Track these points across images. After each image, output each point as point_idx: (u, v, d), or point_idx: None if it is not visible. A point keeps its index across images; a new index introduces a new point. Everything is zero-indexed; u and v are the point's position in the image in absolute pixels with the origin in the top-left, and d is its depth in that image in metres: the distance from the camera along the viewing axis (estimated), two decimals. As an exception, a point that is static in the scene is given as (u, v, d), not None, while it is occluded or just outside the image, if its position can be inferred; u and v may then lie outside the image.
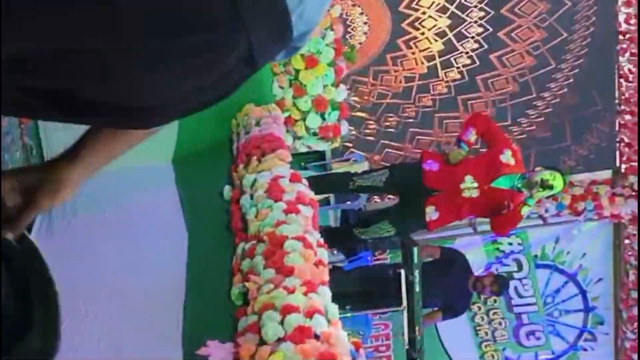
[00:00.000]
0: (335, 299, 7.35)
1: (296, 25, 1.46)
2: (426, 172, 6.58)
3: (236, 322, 4.22)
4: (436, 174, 6.56)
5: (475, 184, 6.48)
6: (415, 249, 7.30)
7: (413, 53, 8.71)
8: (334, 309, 4.22)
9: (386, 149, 8.72)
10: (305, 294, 4.14)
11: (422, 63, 8.76)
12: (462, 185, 6.48)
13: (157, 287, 4.65)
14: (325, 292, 4.29)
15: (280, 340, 3.87)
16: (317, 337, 3.91)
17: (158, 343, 4.31)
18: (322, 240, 4.70)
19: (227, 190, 5.26)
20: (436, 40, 8.69)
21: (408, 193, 6.77)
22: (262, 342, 3.90)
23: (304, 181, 5.10)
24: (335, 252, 8.42)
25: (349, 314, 7.47)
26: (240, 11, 1.37)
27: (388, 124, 8.58)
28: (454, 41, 8.73)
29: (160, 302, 4.58)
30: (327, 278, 4.45)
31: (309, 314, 3.99)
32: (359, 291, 7.63)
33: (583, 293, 9.86)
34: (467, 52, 8.76)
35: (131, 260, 4.76)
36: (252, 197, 4.97)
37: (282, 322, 3.95)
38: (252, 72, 1.51)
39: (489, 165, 6.54)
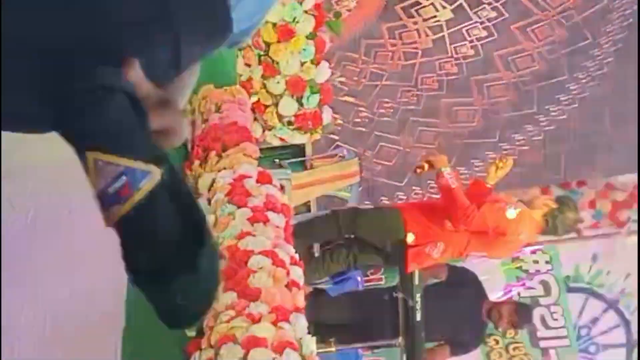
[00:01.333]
0: (315, 329, 7.47)
1: (235, 22, 1.71)
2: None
3: (187, 358, 4.23)
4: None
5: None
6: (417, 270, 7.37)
7: (415, 23, 8.74)
8: (310, 342, 4.24)
9: (380, 143, 8.73)
10: (274, 323, 4.15)
11: (427, 35, 8.78)
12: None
13: (91, 308, 4.67)
14: (300, 321, 4.30)
15: (242, 381, 3.89)
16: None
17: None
18: (297, 256, 4.70)
19: (178, 193, 5.25)
20: (444, 7, 8.70)
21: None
22: (219, 383, 3.92)
23: (276, 182, 5.10)
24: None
25: (333, 349, 7.49)
26: (170, 9, 1.60)
27: (383, 111, 8.59)
28: (467, 8, 8.74)
29: (94, 327, 4.59)
30: (302, 303, 4.46)
31: (279, 349, 4.01)
32: (346, 321, 7.65)
33: (626, 323, 9.86)
34: (482, 22, 8.77)
35: (64, 272, 4.77)
36: (209, 201, 4.97)
37: (244, 358, 3.95)
38: (175, 73, 1.74)
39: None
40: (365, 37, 8.62)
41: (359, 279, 8.55)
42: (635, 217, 9.33)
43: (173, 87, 1.80)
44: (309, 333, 7.28)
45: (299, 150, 7.42)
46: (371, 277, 8.96)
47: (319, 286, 8.28)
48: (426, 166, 6.83)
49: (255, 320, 4.13)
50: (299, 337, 4.19)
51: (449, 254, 6.98)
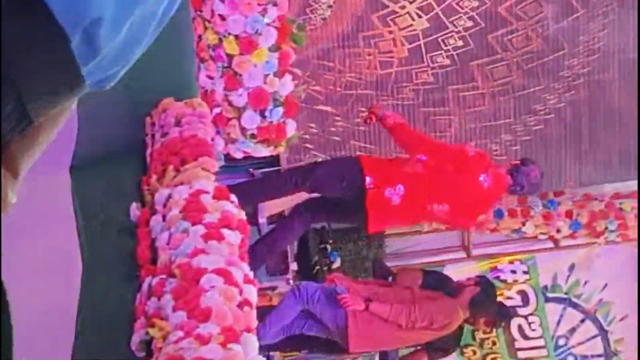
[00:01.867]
0: (291, 341, 7.43)
1: (92, 74, 1.67)
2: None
3: (137, 380, 4.15)
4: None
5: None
6: (389, 279, 7.33)
7: (391, 32, 8.66)
8: (261, 363, 4.15)
9: (356, 153, 8.65)
10: (223, 344, 4.05)
11: (403, 45, 8.69)
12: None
13: (39, 326, 4.58)
14: (251, 342, 4.20)
15: (190, 404, 3.79)
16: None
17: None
18: (250, 274, 4.60)
19: (134, 208, 5.16)
20: (420, 17, 8.61)
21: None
22: (166, 408, 3.82)
23: (233, 198, 5.00)
24: (290, 280, 8.42)
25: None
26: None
27: (359, 120, 8.49)
28: (443, 17, 8.66)
29: (43, 343, 4.52)
30: (254, 323, 4.36)
31: (227, 371, 3.92)
32: (321, 332, 7.58)
33: (604, 334, 9.87)
34: (458, 32, 8.70)
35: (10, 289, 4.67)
36: (164, 218, 4.87)
37: (193, 382, 3.87)
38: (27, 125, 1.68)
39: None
40: (341, 46, 8.55)
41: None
42: (613, 227, 9.28)
43: (20, 145, 1.76)
44: (283, 345, 7.41)
45: (274, 159, 7.37)
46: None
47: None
48: (373, 117, 6.90)
49: (204, 341, 4.03)
50: (249, 358, 4.08)
51: (410, 202, 6.83)
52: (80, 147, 5.62)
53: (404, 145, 6.88)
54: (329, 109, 8.61)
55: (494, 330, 8.88)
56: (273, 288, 8.12)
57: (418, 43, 8.71)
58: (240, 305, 4.37)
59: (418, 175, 6.75)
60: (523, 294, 9.75)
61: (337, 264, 8.73)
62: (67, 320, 4.64)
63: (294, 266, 8.37)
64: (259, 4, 5.90)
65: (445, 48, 8.74)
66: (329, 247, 8.66)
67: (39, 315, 4.63)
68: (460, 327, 7.95)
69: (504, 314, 8.29)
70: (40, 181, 5.21)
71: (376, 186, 6.74)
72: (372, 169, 6.81)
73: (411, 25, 8.66)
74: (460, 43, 8.74)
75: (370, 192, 6.73)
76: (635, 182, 9.31)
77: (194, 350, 3.98)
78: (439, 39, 8.73)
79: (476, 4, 8.61)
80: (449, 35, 8.72)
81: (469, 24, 8.70)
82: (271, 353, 7.42)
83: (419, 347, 7.86)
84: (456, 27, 8.72)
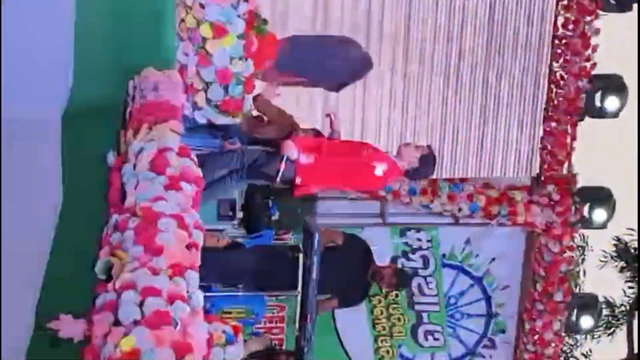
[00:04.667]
0: (230, 275, 7.49)
1: None
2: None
3: (95, 297, 4.18)
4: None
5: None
6: (316, 235, 7.41)
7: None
8: (199, 296, 4.21)
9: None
10: (170, 277, 4.11)
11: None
12: None
13: (20, 240, 4.62)
14: (193, 278, 4.26)
15: (136, 322, 3.84)
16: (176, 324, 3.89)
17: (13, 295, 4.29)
18: (200, 222, 4.66)
19: (110, 155, 5.19)
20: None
21: None
22: (116, 323, 3.87)
23: (194, 156, 5.05)
24: (236, 226, 8.46)
25: (240, 293, 7.52)
26: None
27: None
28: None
29: (22, 257, 4.55)
30: (198, 263, 4.43)
31: (171, 299, 3.97)
32: (255, 270, 7.66)
33: (487, 298, 9.97)
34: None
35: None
36: (135, 167, 4.91)
37: (141, 304, 3.91)
38: None
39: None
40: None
41: (271, 237, 8.61)
42: (504, 212, 9.39)
43: None
44: (223, 278, 7.46)
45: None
46: (282, 236, 8.98)
47: (237, 239, 8.33)
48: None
49: (154, 272, 4.09)
50: (190, 291, 4.15)
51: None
52: (72, 100, 5.63)
53: None
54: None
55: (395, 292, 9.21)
56: (221, 230, 8.17)
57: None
58: (188, 247, 4.43)
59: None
60: (425, 258, 9.79)
61: (275, 217, 8.76)
62: (44, 241, 4.68)
63: (240, 214, 8.39)
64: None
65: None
66: (270, 202, 8.68)
67: (20, 233, 4.68)
68: (367, 286, 8.11)
69: (405, 282, 8.50)
70: (35, 123, 5.29)
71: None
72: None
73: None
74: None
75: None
76: (527, 178, 9.52)
77: (146, 279, 4.04)
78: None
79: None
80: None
81: None
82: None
83: (330, 296, 7.99)
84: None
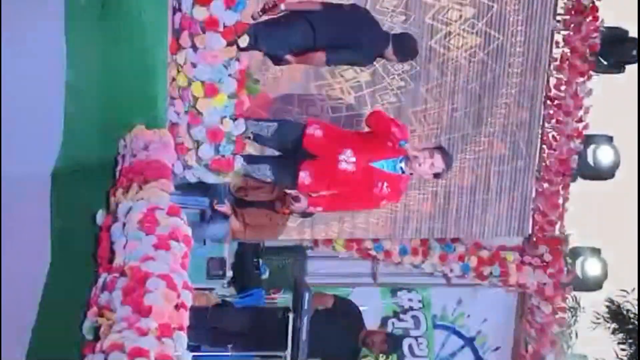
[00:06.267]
0: (219, 336, 7.45)
1: None
2: (307, 136, 6.93)
3: (83, 358, 4.18)
4: (317, 139, 6.93)
5: (353, 159, 6.80)
6: (307, 295, 7.36)
7: (339, 82, 8.73)
8: (187, 357, 4.21)
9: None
10: (158, 337, 4.11)
11: (349, 94, 8.78)
12: (339, 157, 6.82)
13: (8, 299, 4.63)
14: (181, 338, 4.27)
15: (123, 385, 3.84)
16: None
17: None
18: (188, 282, 4.66)
19: (100, 214, 5.21)
20: (362, 70, 8.68)
21: (288, 150, 7.13)
22: (104, 385, 3.87)
23: (183, 215, 5.07)
24: (226, 285, 8.44)
25: (229, 354, 7.48)
26: None
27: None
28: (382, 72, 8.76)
29: (10, 316, 4.55)
30: (186, 323, 4.43)
31: (159, 360, 3.98)
32: (244, 330, 7.63)
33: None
34: (392, 90, 8.77)
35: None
36: (124, 226, 4.92)
37: (128, 366, 3.92)
38: None
39: (374, 145, 6.88)
40: (298, 95, 8.57)
41: (261, 297, 8.60)
42: (496, 273, 9.40)
43: None
44: (212, 338, 7.44)
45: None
46: (272, 295, 8.97)
47: (227, 298, 8.32)
48: None
49: (142, 333, 4.10)
50: (178, 352, 4.15)
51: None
52: (63, 157, 5.64)
53: None
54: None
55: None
56: (211, 289, 8.15)
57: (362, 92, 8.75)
58: (177, 307, 4.44)
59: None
60: (416, 319, 9.78)
61: (265, 275, 8.75)
62: (32, 303, 4.68)
63: (230, 273, 8.38)
64: (224, 59, 6.00)
65: (381, 103, 8.77)
66: (260, 261, 8.68)
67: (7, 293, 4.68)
68: (357, 350, 8.07)
69: (396, 347, 8.48)
70: (24, 183, 5.30)
71: None
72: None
73: (355, 77, 8.68)
74: (394, 99, 8.80)
75: None
76: (519, 238, 9.53)
77: (133, 340, 4.04)
78: (376, 95, 8.76)
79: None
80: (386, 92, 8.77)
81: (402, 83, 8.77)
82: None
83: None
84: (390, 86, 8.77)
